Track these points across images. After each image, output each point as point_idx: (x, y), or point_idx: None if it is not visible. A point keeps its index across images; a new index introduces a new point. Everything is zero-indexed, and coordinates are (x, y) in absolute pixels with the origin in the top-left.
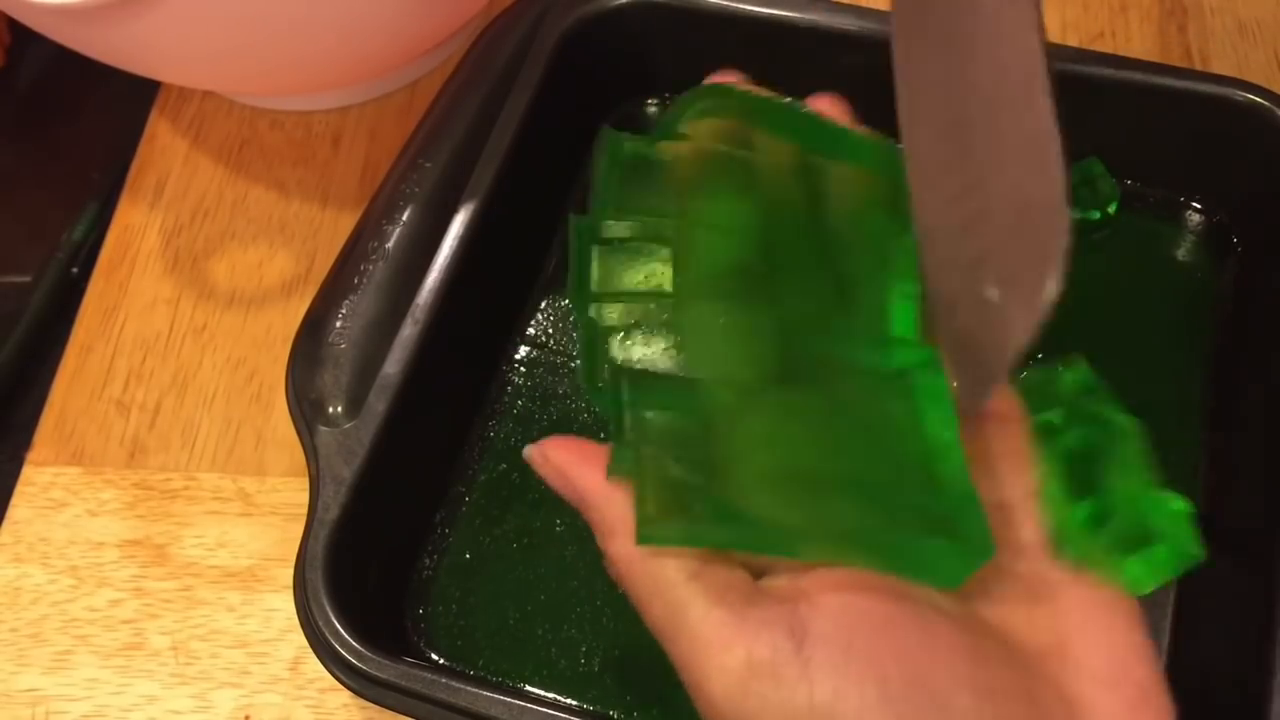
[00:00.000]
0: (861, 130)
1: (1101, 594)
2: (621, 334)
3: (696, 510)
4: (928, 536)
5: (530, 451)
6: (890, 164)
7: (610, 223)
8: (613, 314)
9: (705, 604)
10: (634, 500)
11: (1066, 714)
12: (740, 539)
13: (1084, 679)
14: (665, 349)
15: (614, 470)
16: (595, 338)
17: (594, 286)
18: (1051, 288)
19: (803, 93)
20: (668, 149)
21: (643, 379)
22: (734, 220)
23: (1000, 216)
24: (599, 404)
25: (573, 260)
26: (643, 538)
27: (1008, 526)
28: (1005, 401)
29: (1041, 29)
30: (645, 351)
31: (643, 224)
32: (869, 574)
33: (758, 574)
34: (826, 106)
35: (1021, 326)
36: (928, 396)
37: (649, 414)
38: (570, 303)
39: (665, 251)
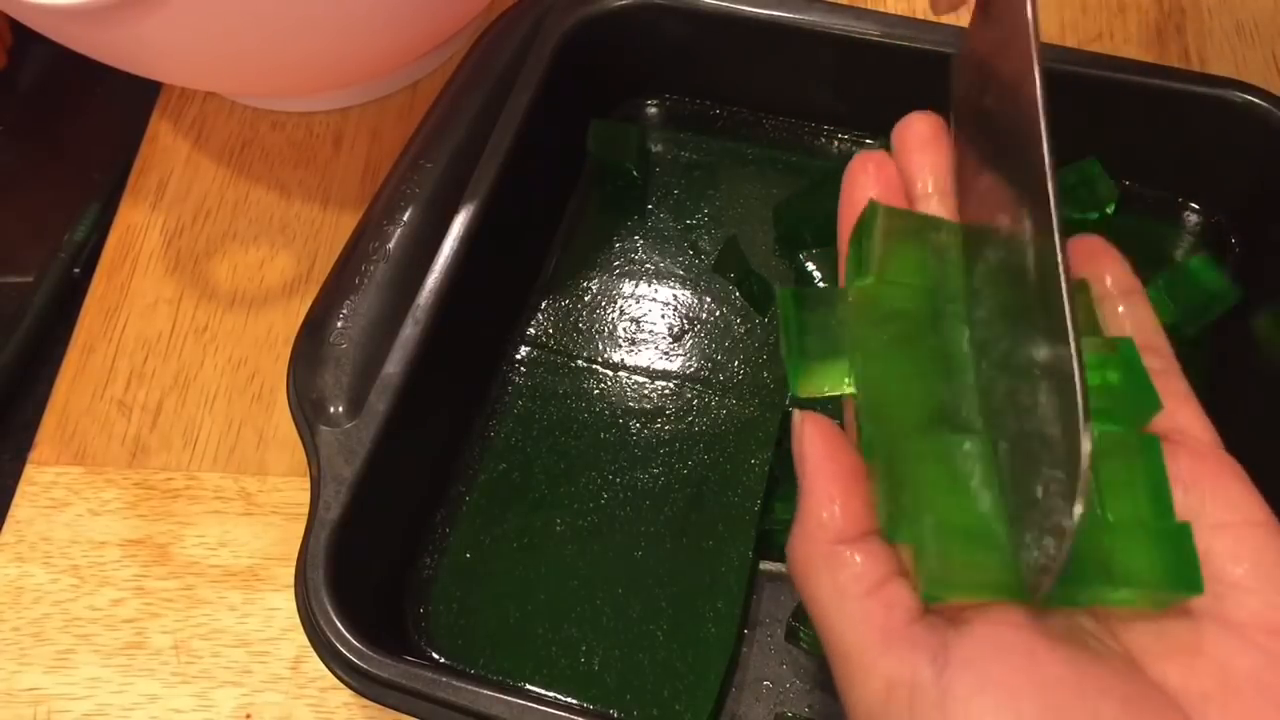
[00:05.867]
0: None
1: (1275, 641)
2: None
3: (981, 570)
4: (1146, 557)
5: (795, 418)
6: None
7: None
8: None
9: (862, 620)
10: (918, 561)
11: None
12: (1017, 590)
13: None
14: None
15: (892, 535)
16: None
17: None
18: (1069, 527)
19: (802, 92)
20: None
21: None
22: (915, 278)
23: (1032, 435)
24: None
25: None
26: (930, 596)
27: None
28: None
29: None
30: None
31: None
32: (1030, 609)
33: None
34: None
35: (1050, 553)
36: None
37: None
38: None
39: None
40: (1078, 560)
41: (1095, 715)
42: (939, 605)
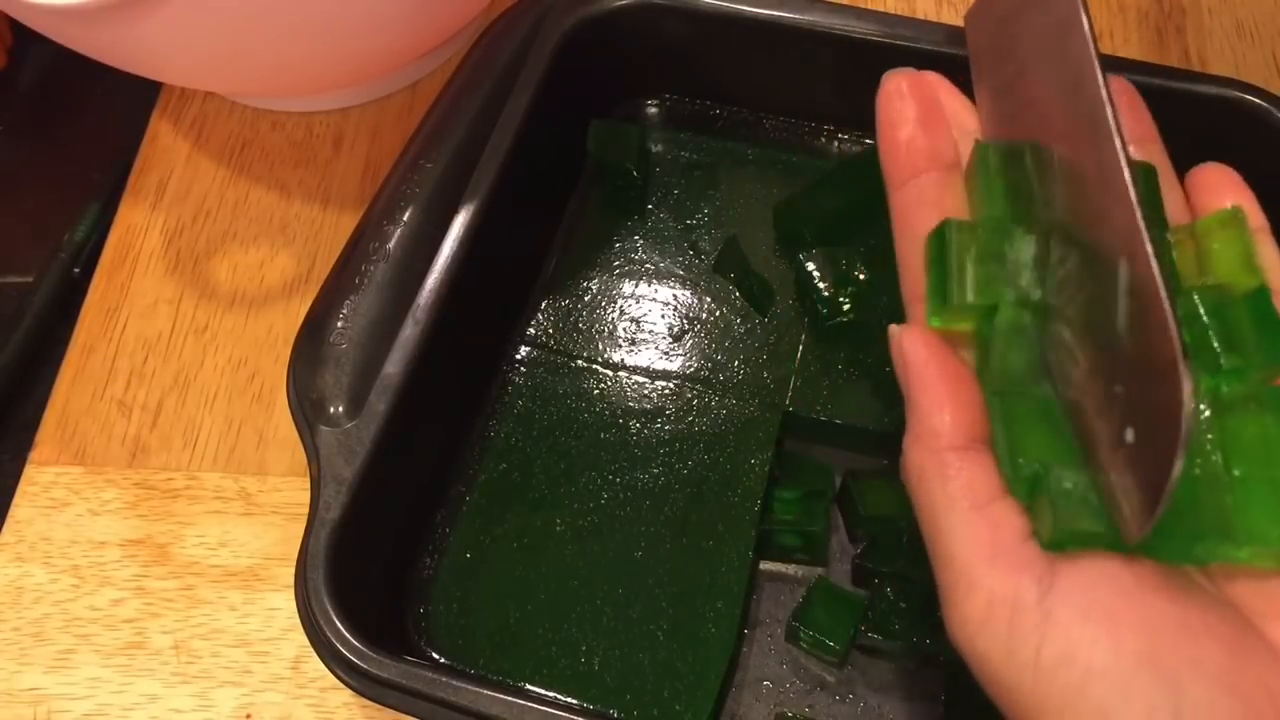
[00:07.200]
0: None
1: None
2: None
3: (1100, 520)
4: (1274, 514)
5: (892, 331)
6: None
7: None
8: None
9: (972, 535)
10: (1037, 518)
11: None
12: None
13: None
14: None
15: (1012, 486)
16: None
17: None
18: (1180, 441)
19: (802, 93)
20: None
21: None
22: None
23: (1124, 359)
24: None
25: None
26: (1055, 545)
27: None
28: None
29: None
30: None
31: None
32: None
33: None
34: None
35: (1157, 477)
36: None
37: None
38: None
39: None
40: (1199, 516)
41: (1198, 656)
42: None
